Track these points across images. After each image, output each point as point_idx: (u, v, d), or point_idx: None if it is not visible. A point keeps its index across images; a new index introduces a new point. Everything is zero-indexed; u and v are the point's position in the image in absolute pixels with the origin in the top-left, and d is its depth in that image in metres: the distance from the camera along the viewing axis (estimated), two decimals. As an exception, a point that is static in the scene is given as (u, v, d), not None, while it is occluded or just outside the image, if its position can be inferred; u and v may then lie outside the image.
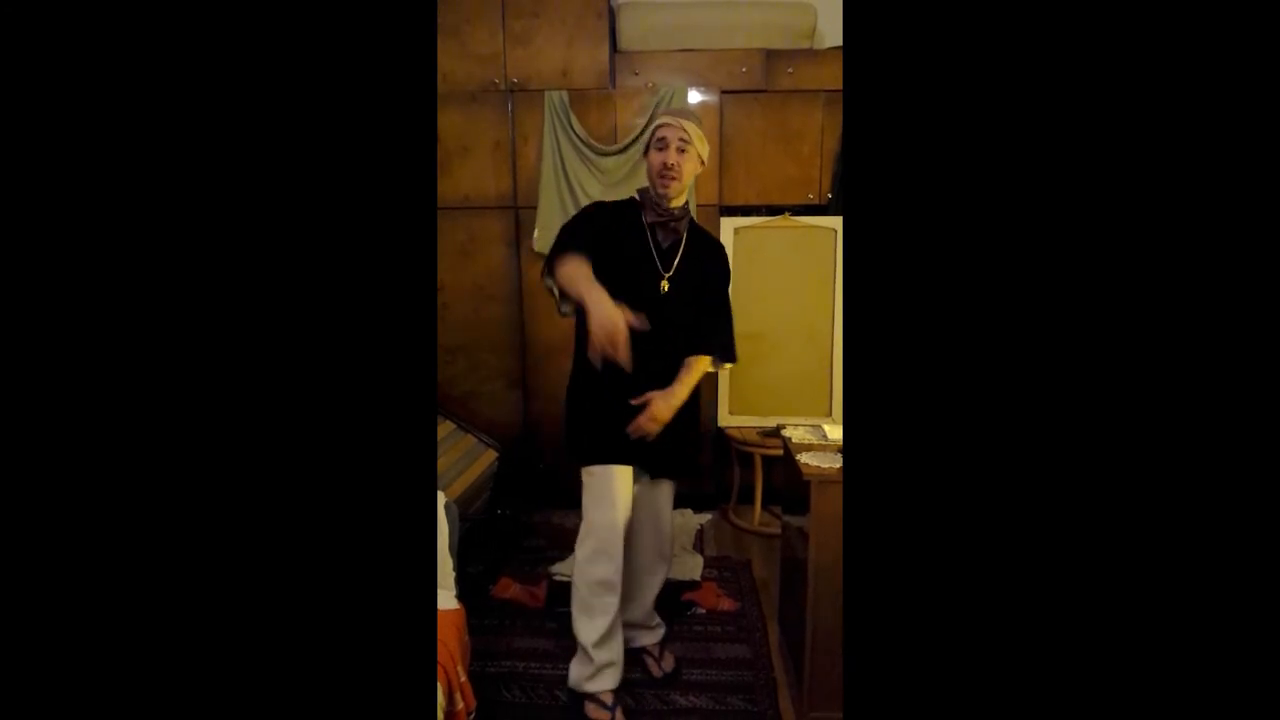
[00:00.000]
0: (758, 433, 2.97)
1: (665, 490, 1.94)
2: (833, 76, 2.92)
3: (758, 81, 2.94)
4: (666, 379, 1.76)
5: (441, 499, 1.78)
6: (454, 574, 1.77)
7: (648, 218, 1.78)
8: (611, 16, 2.97)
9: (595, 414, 1.79)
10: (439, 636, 1.52)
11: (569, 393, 1.87)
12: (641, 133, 2.89)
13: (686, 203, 1.82)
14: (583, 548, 1.81)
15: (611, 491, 1.77)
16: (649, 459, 1.83)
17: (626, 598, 1.90)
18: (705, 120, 2.91)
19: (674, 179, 1.71)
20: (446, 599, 1.70)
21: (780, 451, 2.36)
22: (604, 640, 1.81)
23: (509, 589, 2.49)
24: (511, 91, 2.95)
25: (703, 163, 1.76)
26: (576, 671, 1.87)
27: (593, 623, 1.81)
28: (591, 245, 1.68)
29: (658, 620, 2.09)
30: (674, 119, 1.71)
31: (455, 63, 2.94)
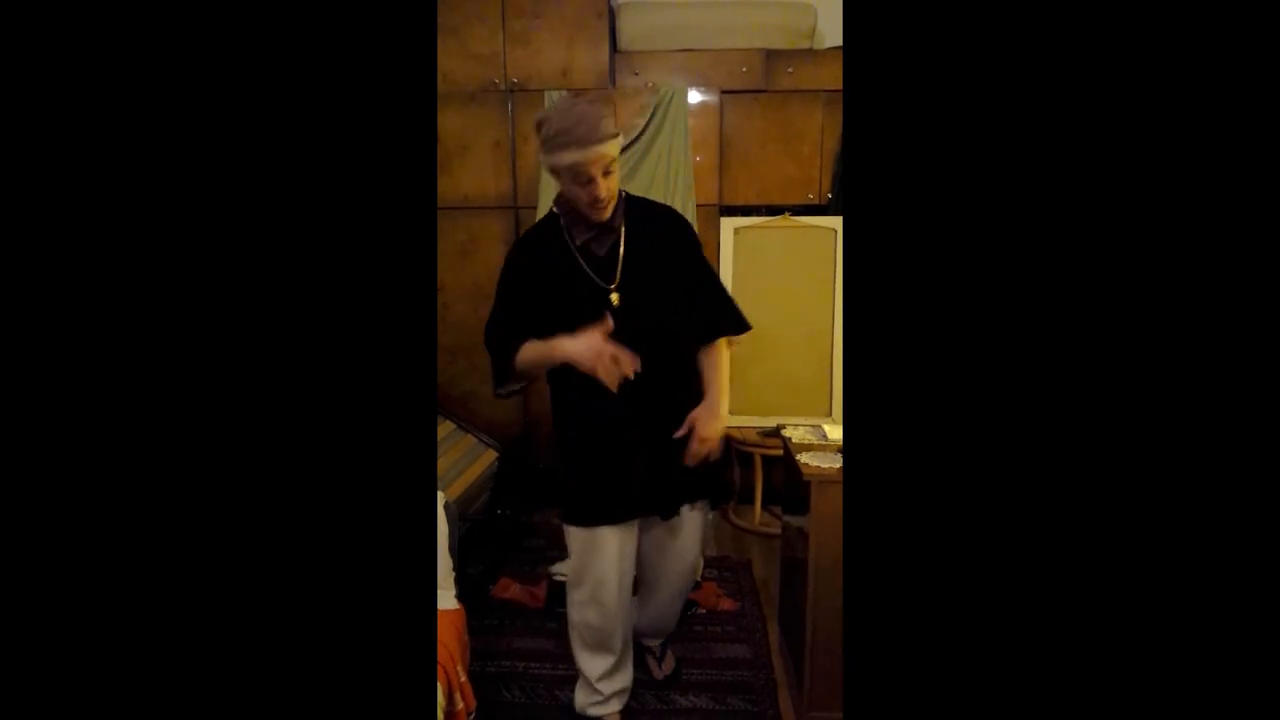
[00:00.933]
0: (758, 433, 2.97)
1: (690, 519, 1.72)
2: (832, 76, 2.92)
3: (758, 81, 2.94)
4: (654, 399, 1.55)
5: (441, 499, 1.79)
6: (454, 574, 1.77)
7: (579, 237, 1.55)
8: (611, 16, 2.97)
9: (592, 473, 1.59)
10: (439, 636, 1.52)
11: (560, 454, 1.67)
12: (642, 133, 2.88)
13: (619, 192, 1.57)
14: (577, 592, 1.71)
15: (604, 549, 1.62)
16: (665, 497, 1.63)
17: (650, 615, 1.88)
18: (705, 120, 2.93)
19: (608, 204, 1.50)
20: (446, 599, 1.70)
21: (780, 451, 2.36)
22: (609, 674, 1.77)
23: (509, 589, 2.49)
24: (511, 91, 2.95)
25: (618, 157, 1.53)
26: (582, 698, 1.82)
27: (595, 659, 1.76)
28: (525, 315, 1.54)
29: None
30: (585, 150, 1.40)
31: (455, 62, 2.94)
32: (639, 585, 1.83)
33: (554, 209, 1.60)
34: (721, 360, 1.62)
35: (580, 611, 1.72)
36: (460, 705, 1.58)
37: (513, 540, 2.91)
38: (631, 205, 1.61)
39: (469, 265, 3.06)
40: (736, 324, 1.65)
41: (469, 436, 2.93)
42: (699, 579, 2.51)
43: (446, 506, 1.80)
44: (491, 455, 2.91)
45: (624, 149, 2.89)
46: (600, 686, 1.77)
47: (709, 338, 1.62)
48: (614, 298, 1.54)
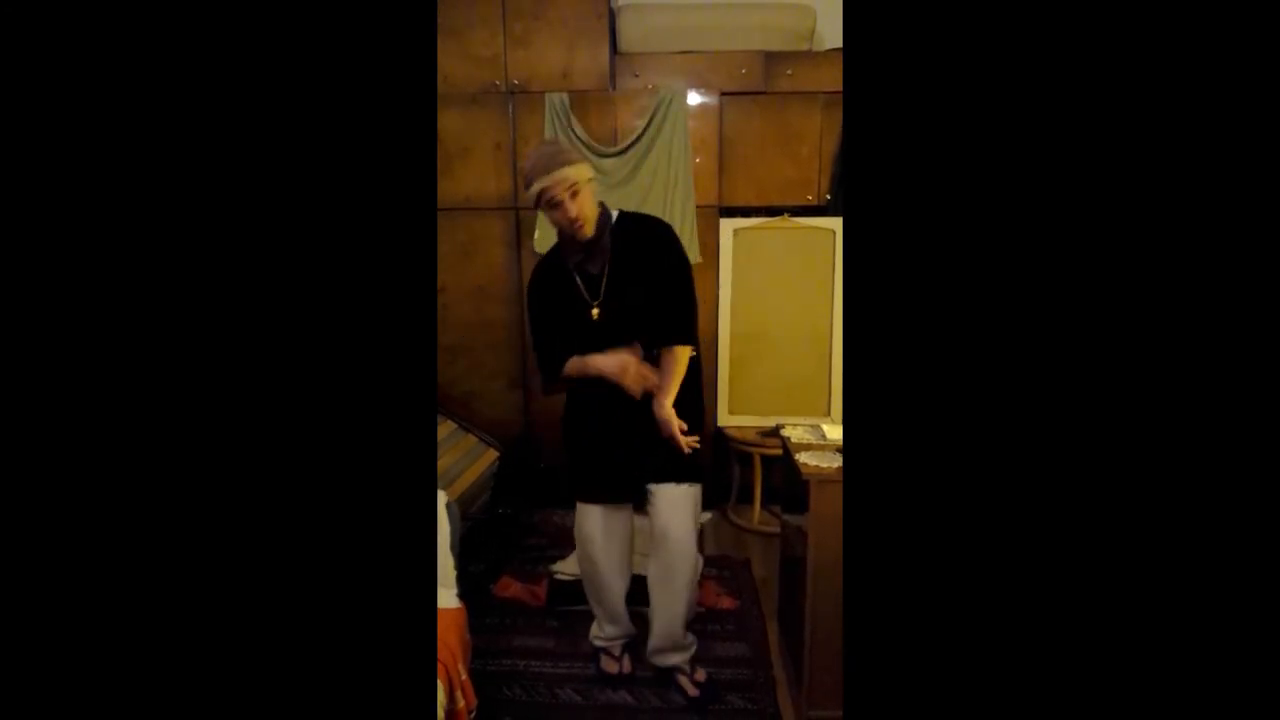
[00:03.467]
0: (757, 432, 2.97)
1: (669, 498, 1.84)
2: (831, 78, 2.93)
3: (757, 83, 2.95)
4: (628, 400, 1.77)
5: (443, 498, 1.79)
6: (455, 573, 1.78)
7: (571, 259, 1.79)
8: (612, 18, 2.98)
9: (577, 456, 1.94)
10: (440, 635, 1.53)
11: (563, 440, 1.99)
12: (642, 134, 2.90)
13: (603, 212, 1.77)
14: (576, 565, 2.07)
15: (585, 527, 1.94)
16: (634, 482, 1.88)
17: (659, 619, 1.94)
18: (705, 122, 2.94)
19: (584, 223, 1.71)
20: (448, 598, 1.71)
21: (779, 451, 2.36)
22: (615, 619, 2.05)
23: (510, 588, 2.50)
24: (512, 93, 2.96)
25: (591, 180, 1.73)
26: (595, 629, 2.10)
27: (600, 609, 2.05)
28: (554, 329, 1.84)
29: (690, 639, 1.98)
30: (548, 175, 1.66)
31: (456, 64, 2.95)
32: (648, 591, 1.97)
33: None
34: (672, 361, 1.79)
35: (581, 572, 2.04)
36: (461, 703, 1.58)
37: (513, 539, 2.92)
38: (621, 222, 1.81)
39: (470, 266, 3.07)
40: (682, 337, 1.80)
41: (469, 436, 2.94)
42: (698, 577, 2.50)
43: (448, 506, 1.80)
44: (492, 455, 2.91)
45: (623, 151, 2.92)
46: (604, 630, 2.07)
47: (657, 344, 1.81)
48: (594, 312, 1.79)
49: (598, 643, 2.09)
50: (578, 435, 1.93)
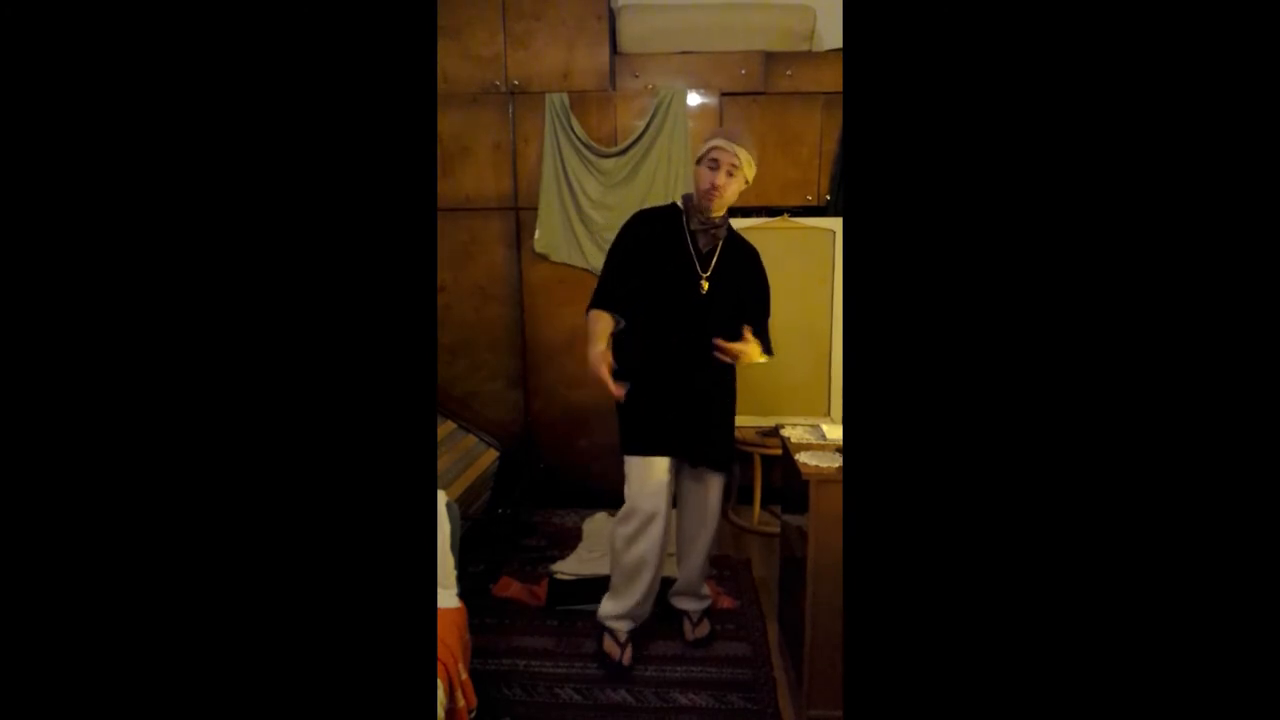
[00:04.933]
0: (757, 432, 2.97)
1: (709, 478, 2.10)
2: (831, 79, 2.93)
3: (757, 84, 2.95)
4: (709, 372, 1.97)
5: (443, 498, 1.79)
6: (455, 573, 1.78)
7: (691, 225, 1.97)
8: (612, 19, 2.98)
9: (642, 412, 2.00)
10: (440, 635, 1.53)
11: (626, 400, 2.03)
12: (642, 134, 2.91)
13: (728, 218, 2.00)
14: (624, 526, 2.02)
15: (652, 478, 1.99)
16: (690, 450, 2.03)
17: (685, 569, 2.21)
18: (705, 122, 2.94)
19: (717, 197, 1.91)
20: (448, 598, 1.71)
21: (779, 451, 2.36)
22: (642, 601, 2.07)
23: (509, 587, 2.50)
24: (512, 93, 2.96)
25: (747, 183, 1.94)
26: (607, 607, 2.11)
27: (632, 586, 2.05)
28: (629, 266, 1.97)
29: (706, 592, 2.26)
30: (730, 145, 1.87)
31: (456, 65, 2.95)
32: (678, 545, 2.22)
33: (678, 202, 2.04)
34: (756, 344, 1.99)
35: (627, 546, 2.02)
36: (461, 703, 1.58)
37: (513, 539, 2.92)
38: (731, 232, 2.06)
39: (470, 265, 3.07)
40: (764, 343, 2.03)
41: (469, 436, 2.94)
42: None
43: (448, 506, 1.81)
44: (492, 455, 2.92)
45: (623, 150, 2.92)
46: (634, 611, 2.07)
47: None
48: (704, 284, 1.97)
49: (607, 622, 2.09)
50: (648, 391, 1.99)
